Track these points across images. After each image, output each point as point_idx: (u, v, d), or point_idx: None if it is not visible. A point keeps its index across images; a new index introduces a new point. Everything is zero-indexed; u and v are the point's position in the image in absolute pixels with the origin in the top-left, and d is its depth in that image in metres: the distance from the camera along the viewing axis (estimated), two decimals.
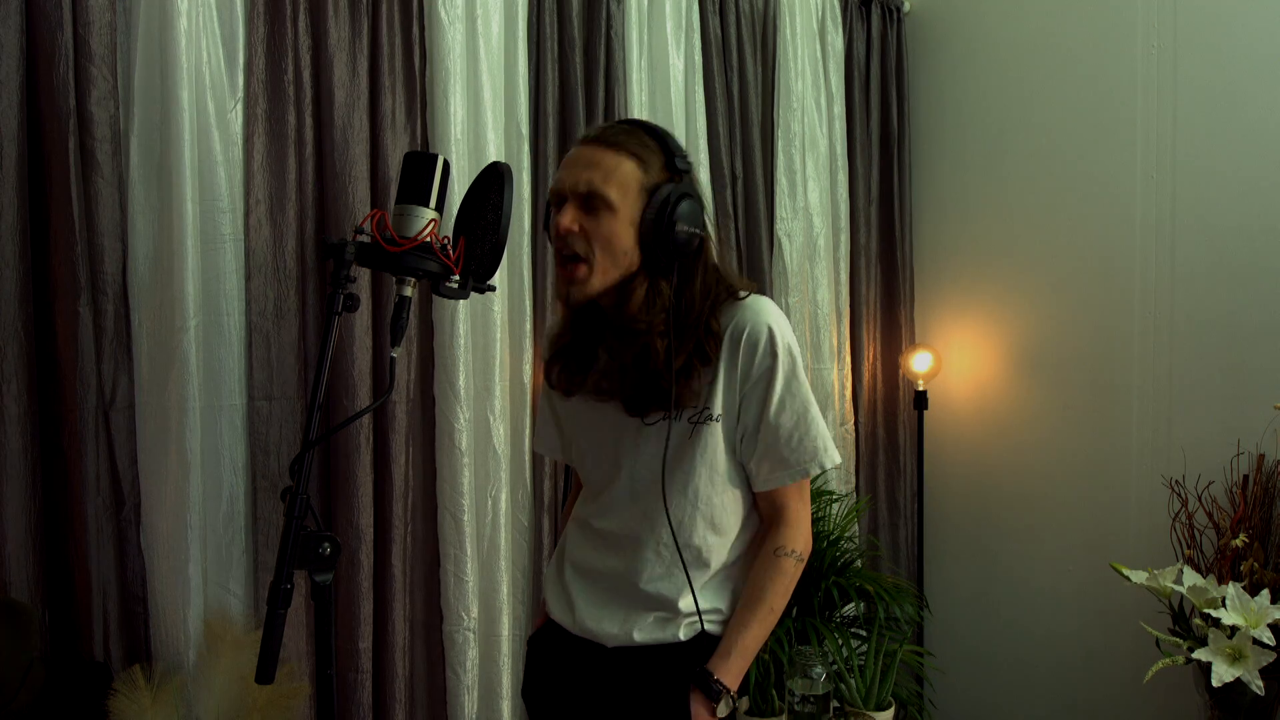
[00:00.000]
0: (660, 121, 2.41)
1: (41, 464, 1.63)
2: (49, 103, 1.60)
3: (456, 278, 1.32)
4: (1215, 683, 1.92)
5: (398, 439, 1.98)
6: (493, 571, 2.12)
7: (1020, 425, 2.86)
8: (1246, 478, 2.27)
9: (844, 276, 2.88)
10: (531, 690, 1.55)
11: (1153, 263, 2.57)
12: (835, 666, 2.31)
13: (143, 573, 1.72)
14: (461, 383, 2.04)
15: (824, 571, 2.40)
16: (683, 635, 1.39)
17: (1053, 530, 2.78)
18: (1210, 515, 2.29)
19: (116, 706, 1.57)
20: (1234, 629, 1.95)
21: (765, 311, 1.38)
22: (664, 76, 2.42)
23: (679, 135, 2.44)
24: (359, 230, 1.28)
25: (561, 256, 1.35)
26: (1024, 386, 2.85)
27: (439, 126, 2.02)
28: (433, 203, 1.27)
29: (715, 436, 1.38)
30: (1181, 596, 2.10)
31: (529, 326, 2.18)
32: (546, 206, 1.40)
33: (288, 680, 1.77)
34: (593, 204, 1.31)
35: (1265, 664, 1.90)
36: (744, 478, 1.43)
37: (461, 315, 2.03)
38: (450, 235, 1.32)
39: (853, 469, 2.94)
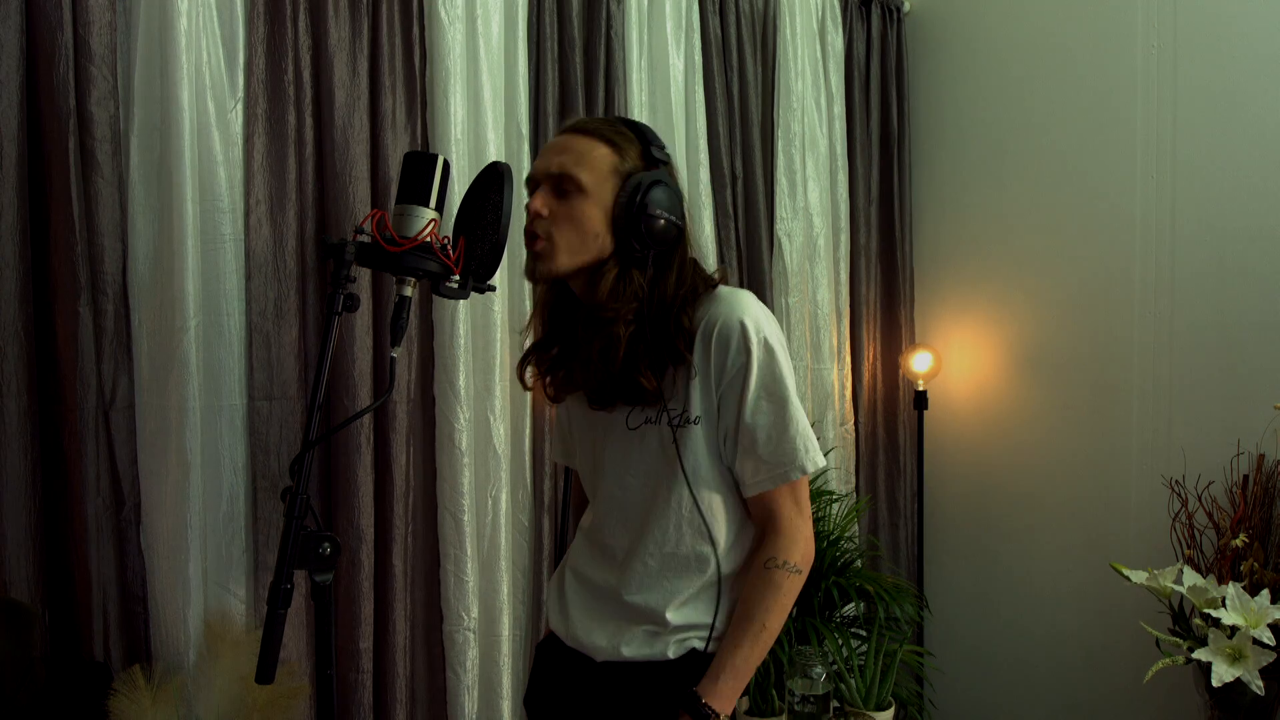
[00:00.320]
0: (660, 122, 2.42)
1: (41, 464, 1.63)
2: (49, 103, 1.60)
3: (456, 278, 1.32)
4: (1215, 683, 1.92)
5: (398, 439, 1.98)
6: (493, 571, 2.12)
7: (1020, 425, 2.86)
8: (1246, 478, 2.27)
9: (844, 276, 2.88)
10: (532, 699, 1.52)
11: (1152, 262, 2.57)
12: (835, 666, 2.31)
13: (143, 573, 1.72)
14: (461, 383, 2.04)
15: (824, 571, 2.40)
16: (671, 653, 1.34)
17: (1053, 530, 2.78)
18: (1210, 515, 2.29)
19: (116, 706, 1.57)
20: (1234, 629, 1.95)
21: (739, 304, 1.31)
22: (664, 76, 2.42)
23: (679, 135, 2.44)
24: (359, 230, 1.28)
25: (529, 235, 1.33)
26: (1024, 386, 2.85)
27: (439, 126, 2.02)
28: (433, 203, 1.27)
29: (697, 440, 1.33)
30: (1181, 596, 2.10)
31: None
32: (526, 188, 1.39)
33: (288, 680, 1.76)
34: (564, 187, 1.30)
35: (1265, 664, 1.90)
36: (732, 482, 1.37)
37: (461, 315, 2.03)
38: (450, 235, 1.32)
39: (853, 469, 2.94)
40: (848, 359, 2.90)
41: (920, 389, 2.95)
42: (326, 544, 1.21)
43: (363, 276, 1.93)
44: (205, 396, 1.76)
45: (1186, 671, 2.14)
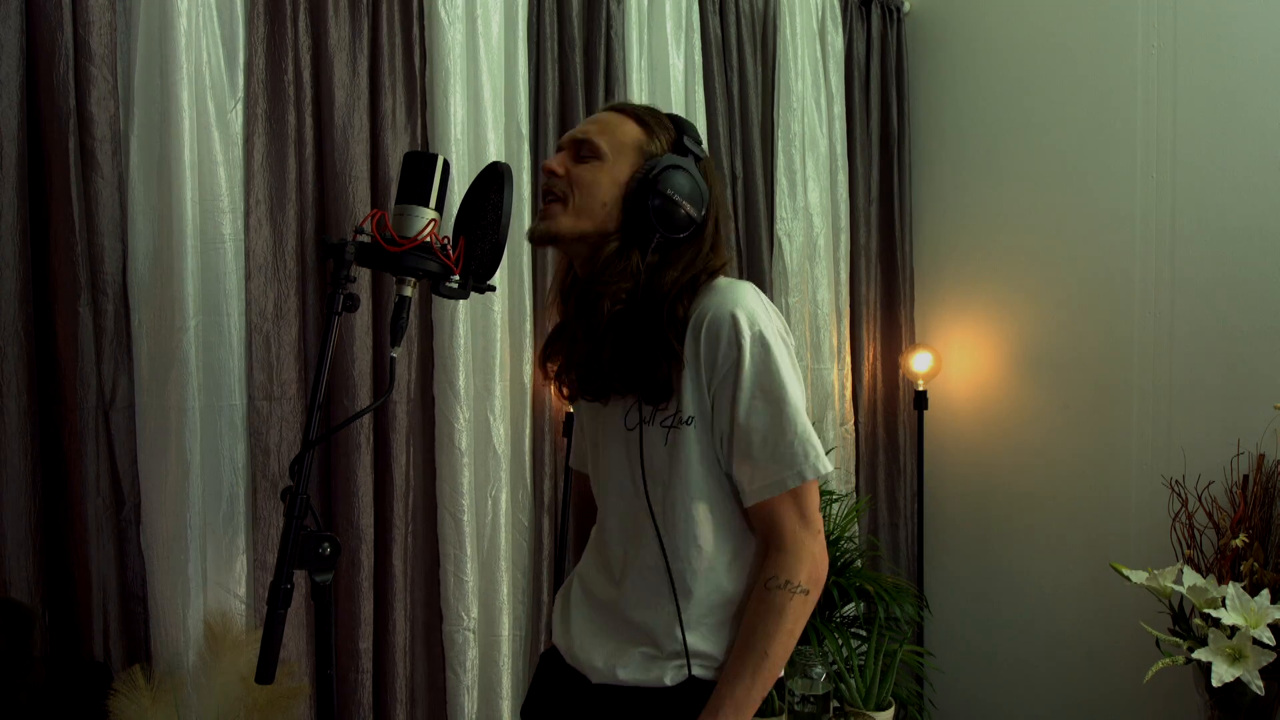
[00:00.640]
0: None
1: (41, 464, 1.63)
2: (49, 103, 1.60)
3: (456, 278, 1.32)
4: (1215, 683, 1.92)
5: (398, 439, 1.98)
6: (493, 572, 2.12)
7: (1020, 425, 2.86)
8: (1246, 478, 2.27)
9: (844, 276, 2.88)
10: (530, 711, 1.46)
11: (1153, 262, 2.57)
12: (835, 666, 2.31)
13: (143, 573, 1.72)
14: (461, 383, 2.04)
15: None
16: (669, 680, 1.24)
17: (1053, 530, 2.78)
18: (1210, 515, 2.29)
19: (116, 706, 1.57)
20: (1234, 629, 1.95)
21: (733, 295, 1.22)
22: (664, 76, 2.42)
23: None
24: (359, 230, 1.28)
25: (543, 195, 1.33)
26: (1024, 386, 2.85)
27: (439, 126, 2.02)
28: (433, 203, 1.27)
29: (690, 443, 1.23)
30: (1181, 596, 2.10)
31: (529, 326, 2.18)
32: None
33: (288, 680, 1.77)
34: (582, 152, 1.30)
35: (1265, 664, 1.90)
36: (731, 491, 1.26)
37: (461, 315, 2.03)
38: (450, 235, 1.32)
39: (853, 469, 2.94)
40: (848, 359, 2.90)
41: (920, 389, 2.95)
42: (326, 544, 1.21)
43: (363, 276, 1.93)
44: (205, 396, 1.76)
45: (1186, 671, 2.14)
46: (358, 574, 1.91)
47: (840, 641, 2.33)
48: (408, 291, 1.29)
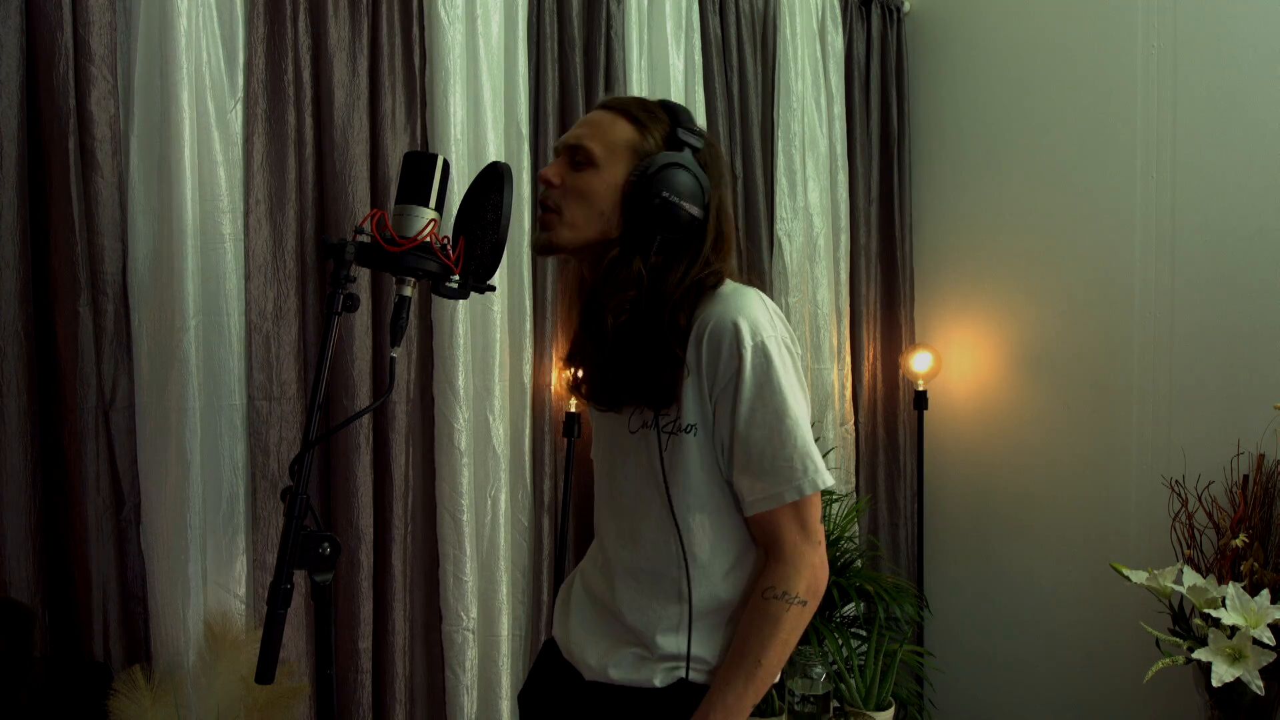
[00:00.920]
0: None
1: (41, 464, 1.63)
2: (49, 103, 1.60)
3: (456, 278, 1.32)
4: (1215, 683, 1.92)
5: (398, 439, 1.98)
6: (492, 572, 2.12)
7: (1020, 425, 2.86)
8: (1246, 478, 2.27)
9: (844, 276, 2.88)
10: (526, 699, 1.49)
11: (1152, 262, 2.57)
12: (835, 666, 2.31)
13: (143, 573, 1.72)
14: (461, 383, 2.04)
15: None
16: (659, 681, 1.24)
17: (1053, 530, 2.78)
18: (1210, 515, 2.29)
19: (116, 706, 1.57)
20: (1234, 629, 1.95)
21: (737, 304, 1.21)
22: (664, 76, 2.42)
23: None
24: (359, 230, 1.28)
25: (541, 205, 1.31)
26: (1024, 386, 2.85)
27: (439, 126, 2.02)
28: (432, 203, 1.27)
29: (690, 451, 1.23)
30: (1181, 596, 2.10)
31: (529, 326, 2.18)
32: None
33: (288, 680, 1.77)
34: (577, 159, 1.28)
35: (1265, 664, 1.90)
36: (731, 499, 1.25)
37: (461, 315, 2.03)
38: (450, 235, 1.32)
39: (853, 469, 2.94)
40: (848, 359, 2.90)
41: (920, 389, 2.95)
42: (326, 544, 1.21)
43: (362, 276, 1.93)
44: (205, 396, 1.76)
45: (1186, 671, 2.14)
46: (357, 574, 1.91)
47: (840, 641, 2.33)
48: (407, 291, 1.29)
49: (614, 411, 1.31)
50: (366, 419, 1.93)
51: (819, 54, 2.81)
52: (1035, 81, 2.81)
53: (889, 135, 3.01)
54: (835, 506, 2.61)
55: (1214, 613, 1.97)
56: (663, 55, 2.42)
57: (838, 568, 2.46)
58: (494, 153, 2.10)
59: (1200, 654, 1.97)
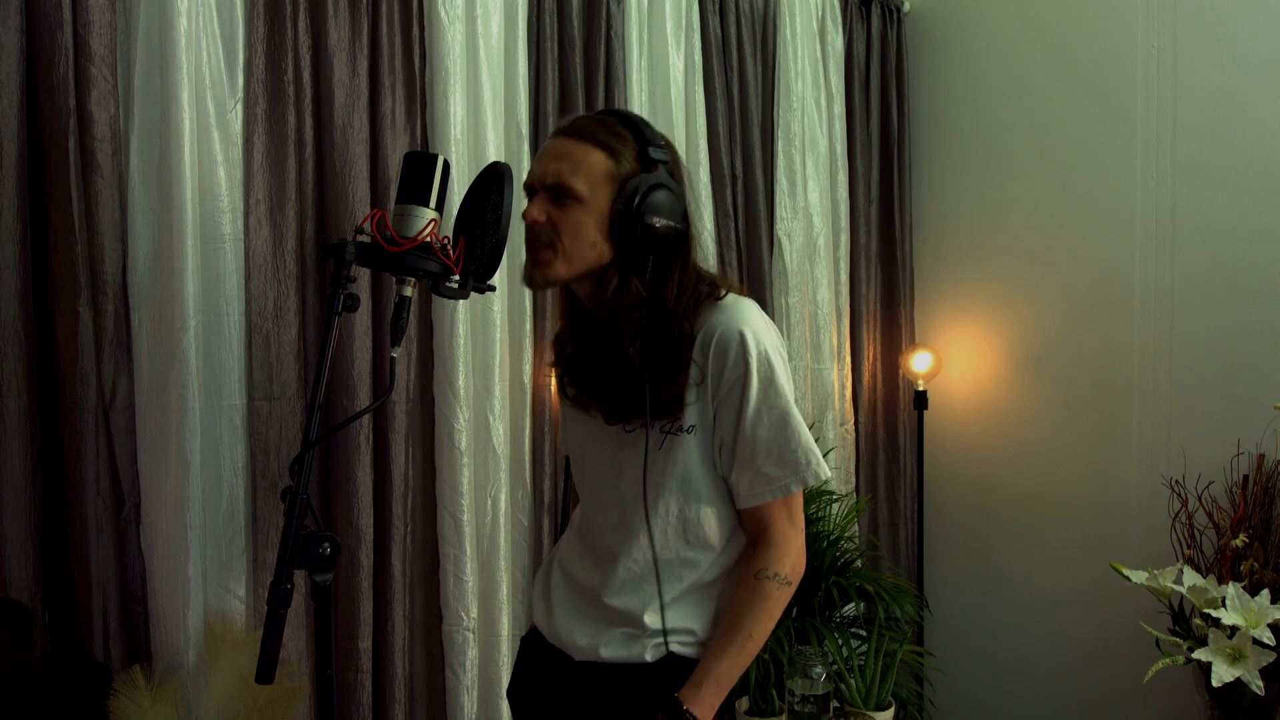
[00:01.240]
0: (660, 122, 2.42)
1: (41, 464, 1.63)
2: (49, 103, 1.60)
3: (456, 278, 1.32)
4: (1215, 683, 1.92)
5: (398, 439, 1.98)
6: (492, 571, 2.12)
7: (1020, 425, 2.86)
8: (1246, 478, 2.27)
9: (844, 276, 2.88)
10: (515, 692, 1.53)
11: (1153, 262, 2.57)
12: (835, 666, 2.31)
13: (143, 573, 1.72)
14: (461, 383, 2.04)
15: (824, 571, 2.40)
16: (649, 656, 1.33)
17: (1053, 530, 2.78)
18: (1210, 515, 2.29)
19: (116, 706, 1.57)
20: (1234, 629, 1.95)
21: (740, 315, 1.30)
22: (664, 76, 2.42)
23: (679, 135, 2.44)
24: (359, 230, 1.28)
25: (530, 243, 1.33)
26: (1024, 386, 2.85)
27: (439, 126, 2.02)
28: (433, 203, 1.27)
29: (687, 449, 1.32)
30: (1181, 596, 2.10)
31: (529, 326, 2.18)
32: (525, 193, 1.38)
33: (288, 680, 1.77)
34: (560, 195, 1.29)
35: (1265, 664, 1.90)
36: (725, 492, 1.36)
37: (461, 315, 2.03)
38: (450, 235, 1.32)
39: (853, 469, 2.94)
40: (848, 359, 2.90)
41: (920, 389, 2.95)
42: (326, 544, 1.21)
43: (362, 276, 1.93)
44: (205, 396, 1.76)
45: (1186, 671, 2.14)
46: (357, 574, 1.91)
47: (840, 641, 2.33)
48: (408, 291, 1.29)
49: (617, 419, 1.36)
50: (366, 419, 1.93)
51: (819, 54, 2.81)
52: (1035, 81, 2.81)
53: (889, 135, 3.01)
54: (835, 506, 2.61)
55: (1214, 613, 1.97)
56: (663, 55, 2.42)
57: (838, 568, 2.46)
58: (494, 153, 2.10)
59: (1200, 654, 1.97)
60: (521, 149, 2.16)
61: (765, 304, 2.65)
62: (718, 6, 2.55)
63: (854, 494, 2.93)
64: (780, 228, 2.71)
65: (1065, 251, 2.74)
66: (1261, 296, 2.37)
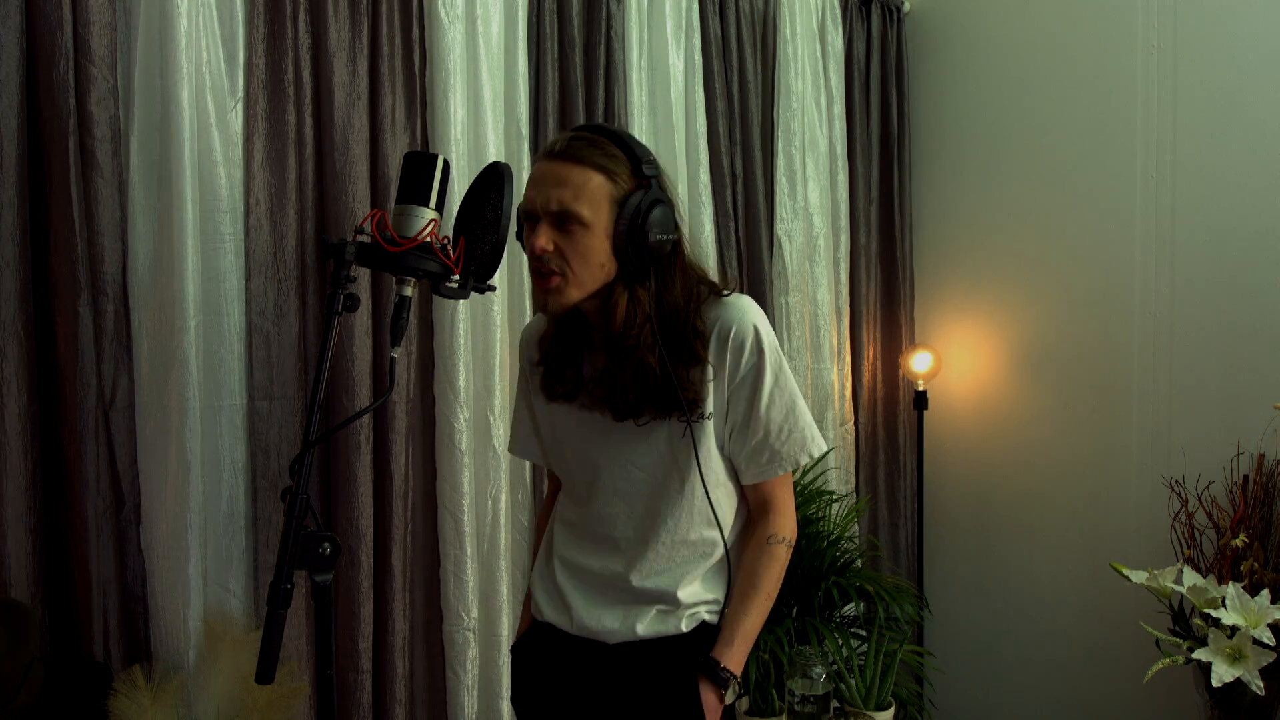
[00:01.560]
0: (660, 121, 2.42)
1: (41, 464, 1.63)
2: (49, 103, 1.60)
3: (456, 278, 1.32)
4: (1215, 683, 1.92)
5: (398, 439, 1.98)
6: (493, 571, 2.12)
7: (1020, 425, 2.86)
8: (1246, 478, 2.27)
9: (844, 276, 2.88)
10: (522, 697, 1.55)
11: (1153, 262, 2.57)
12: (835, 666, 2.31)
13: (143, 573, 1.72)
14: (461, 383, 2.04)
15: (824, 571, 2.40)
16: (684, 627, 1.43)
17: (1053, 530, 2.78)
18: (1210, 515, 2.29)
19: (116, 706, 1.57)
20: (1234, 629, 1.95)
21: (749, 310, 1.41)
22: (664, 76, 2.42)
23: (679, 135, 2.44)
24: (359, 230, 1.28)
25: (537, 272, 1.36)
26: (1024, 386, 2.85)
27: (439, 126, 2.02)
28: (433, 203, 1.27)
29: (708, 434, 1.41)
30: (1181, 596, 2.10)
31: None
32: (518, 219, 1.40)
33: (288, 680, 1.77)
34: (566, 222, 1.32)
35: (1265, 664, 1.90)
36: (733, 472, 1.47)
37: (461, 315, 2.03)
38: (450, 235, 1.32)
39: (853, 469, 2.94)
40: (848, 359, 2.90)
41: (920, 389, 2.95)
42: (326, 544, 1.21)
43: (362, 276, 1.93)
44: (205, 396, 1.76)
45: (1186, 671, 2.14)
46: (358, 574, 1.91)
47: (840, 641, 2.33)
48: (408, 291, 1.29)
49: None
50: (367, 419, 1.93)
51: (819, 54, 2.81)
52: (1035, 81, 2.81)
53: (889, 135, 3.01)
54: (835, 506, 2.61)
55: (1214, 613, 1.97)
56: (663, 55, 2.42)
57: (838, 568, 2.46)
58: (494, 153, 2.10)
59: (1200, 654, 1.97)
60: (521, 149, 2.16)
61: (765, 304, 2.65)
62: (718, 6, 2.55)
63: (854, 494, 2.93)
64: (780, 228, 2.71)
65: (1065, 252, 2.74)
66: (1261, 296, 2.37)
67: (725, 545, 1.46)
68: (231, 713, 1.67)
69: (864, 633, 2.45)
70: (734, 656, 1.41)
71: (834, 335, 2.85)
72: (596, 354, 1.44)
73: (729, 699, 1.42)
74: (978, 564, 2.98)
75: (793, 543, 1.48)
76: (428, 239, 1.26)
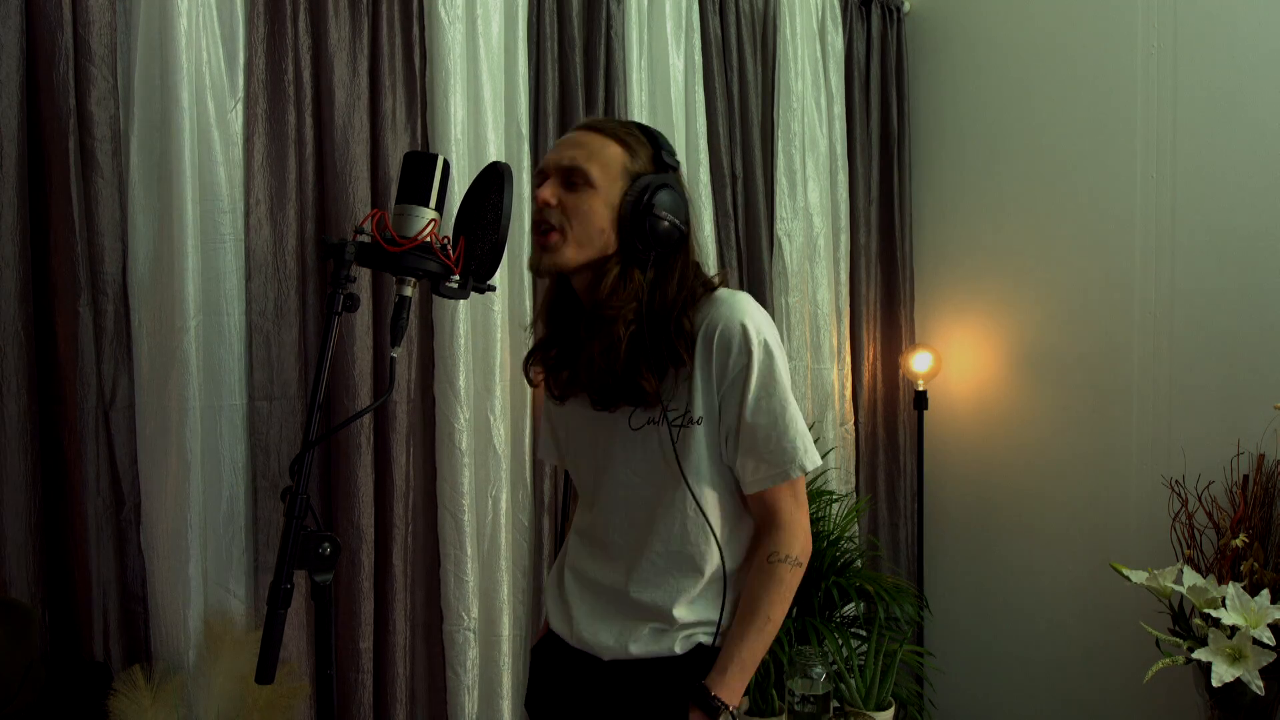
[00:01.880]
0: (660, 121, 2.42)
1: (41, 464, 1.63)
2: (49, 103, 1.60)
3: (456, 278, 1.32)
4: (1215, 683, 1.92)
5: (398, 439, 1.98)
6: (493, 571, 2.12)
7: (1020, 425, 2.86)
8: (1246, 478, 2.27)
9: (844, 276, 2.88)
10: (535, 702, 1.53)
11: (1152, 262, 2.57)
12: (835, 666, 2.31)
13: (143, 573, 1.72)
14: (461, 383, 2.04)
15: (824, 571, 2.40)
16: (679, 649, 1.37)
17: (1053, 530, 2.78)
18: (1210, 515, 2.29)
19: (116, 706, 1.57)
20: (1234, 629, 1.95)
21: (739, 307, 1.34)
22: (664, 76, 2.42)
23: (679, 135, 2.44)
24: (359, 230, 1.28)
25: (537, 227, 1.35)
26: (1024, 386, 2.85)
27: (439, 126, 2.02)
28: (433, 203, 1.27)
29: (699, 440, 1.35)
30: (1181, 596, 2.10)
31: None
32: (535, 178, 1.41)
33: (288, 680, 1.77)
34: (573, 179, 1.32)
35: (1265, 664, 1.90)
36: (731, 481, 1.39)
37: (461, 315, 2.03)
38: (450, 235, 1.32)
39: (853, 469, 2.94)
40: (848, 359, 2.90)
41: (920, 389, 2.95)
42: (326, 544, 1.21)
43: (363, 276, 1.93)
44: (205, 396, 1.76)
45: (1186, 671, 2.14)
46: (358, 574, 1.91)
47: (840, 641, 2.33)
48: (408, 291, 1.29)
49: (607, 411, 1.38)
50: (367, 419, 1.93)
51: (819, 54, 2.81)
52: (1035, 81, 2.81)
53: (889, 135, 3.01)
54: (835, 506, 2.61)
55: (1214, 613, 1.97)
56: (663, 55, 2.42)
57: (838, 568, 2.46)
58: (494, 153, 2.10)
59: (1200, 654, 1.97)
60: (521, 149, 2.16)
61: (765, 304, 2.65)
62: (718, 6, 2.55)
63: (854, 494, 2.93)
64: (780, 228, 2.71)
65: (1065, 252, 2.74)
66: (1261, 296, 2.37)
67: (723, 561, 1.37)
68: (231, 713, 1.67)
69: (864, 633, 2.45)
70: (727, 685, 1.31)
71: (834, 335, 2.85)
72: (584, 338, 1.40)
73: None
74: (978, 564, 2.98)
75: (802, 561, 1.36)
76: (428, 239, 1.26)
